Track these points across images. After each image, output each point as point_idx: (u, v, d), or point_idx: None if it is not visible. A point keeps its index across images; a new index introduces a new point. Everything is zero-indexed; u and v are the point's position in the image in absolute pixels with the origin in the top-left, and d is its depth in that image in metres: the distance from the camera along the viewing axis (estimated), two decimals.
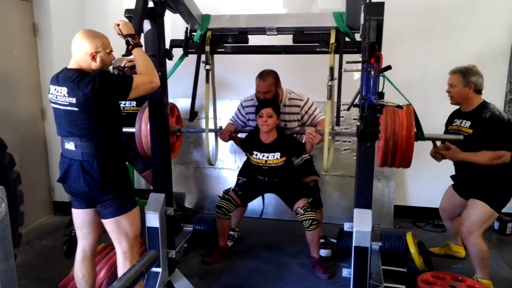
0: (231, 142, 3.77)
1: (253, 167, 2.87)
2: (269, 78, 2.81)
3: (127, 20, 2.07)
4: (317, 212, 3.10)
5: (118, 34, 2.00)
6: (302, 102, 2.93)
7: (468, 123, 2.53)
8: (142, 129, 2.44)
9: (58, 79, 1.94)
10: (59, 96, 1.91)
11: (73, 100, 1.88)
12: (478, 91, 2.53)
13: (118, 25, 1.99)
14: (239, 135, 2.98)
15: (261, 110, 2.70)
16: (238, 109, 3.09)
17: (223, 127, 2.83)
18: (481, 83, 2.53)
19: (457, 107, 2.68)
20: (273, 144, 2.77)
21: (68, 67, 1.97)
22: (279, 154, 2.75)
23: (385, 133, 2.04)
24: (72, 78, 1.88)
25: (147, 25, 2.24)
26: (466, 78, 2.50)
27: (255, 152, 2.81)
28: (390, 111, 2.11)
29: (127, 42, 2.00)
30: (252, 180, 2.95)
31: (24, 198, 2.67)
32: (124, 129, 2.26)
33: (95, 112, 1.92)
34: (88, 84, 1.85)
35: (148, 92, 2.10)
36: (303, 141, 2.90)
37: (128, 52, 2.03)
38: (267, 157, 2.77)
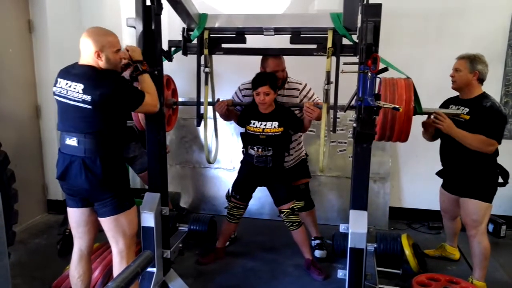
0: (228, 140, 3.79)
1: (249, 138, 2.79)
2: (281, 57, 2.79)
3: (135, 45, 2.11)
4: (308, 213, 3.11)
5: (128, 59, 2.02)
6: (301, 86, 2.91)
7: (466, 110, 2.54)
8: None
9: (69, 74, 1.92)
10: (72, 91, 1.88)
11: (88, 98, 1.85)
12: (481, 80, 2.55)
13: (128, 50, 1.99)
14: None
15: (258, 88, 2.63)
16: (236, 92, 3.05)
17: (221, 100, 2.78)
18: (486, 73, 2.54)
19: (456, 94, 2.67)
20: (271, 114, 2.73)
21: (80, 63, 1.95)
22: (277, 123, 2.70)
23: None
24: (91, 76, 1.87)
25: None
26: (473, 64, 2.51)
27: (252, 121, 2.75)
28: (389, 83, 2.06)
29: (136, 68, 2.03)
30: (244, 177, 2.92)
31: (18, 196, 2.66)
32: None
33: (107, 113, 1.92)
34: (107, 86, 1.85)
35: (149, 113, 2.18)
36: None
37: (134, 78, 2.05)
38: (265, 125, 2.71)
